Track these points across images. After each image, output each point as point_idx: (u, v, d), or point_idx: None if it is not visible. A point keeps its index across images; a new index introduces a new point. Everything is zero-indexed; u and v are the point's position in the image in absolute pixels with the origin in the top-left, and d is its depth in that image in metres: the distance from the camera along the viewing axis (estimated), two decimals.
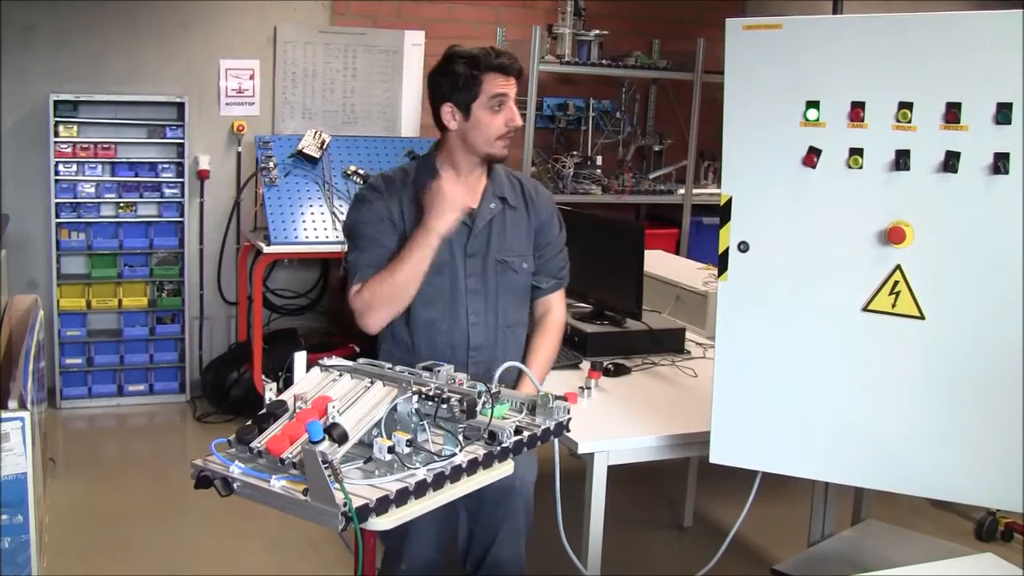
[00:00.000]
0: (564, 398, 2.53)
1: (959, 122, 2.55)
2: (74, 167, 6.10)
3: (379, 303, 2.97)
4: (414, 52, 6.84)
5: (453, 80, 3.01)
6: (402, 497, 2.11)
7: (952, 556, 2.77)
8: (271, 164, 6.10)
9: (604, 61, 6.88)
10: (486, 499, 3.08)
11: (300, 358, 2.46)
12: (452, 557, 3.32)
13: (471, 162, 3.11)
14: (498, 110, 3.01)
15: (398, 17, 6.87)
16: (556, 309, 3.31)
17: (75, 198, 6.12)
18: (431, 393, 2.30)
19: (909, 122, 2.61)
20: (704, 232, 7.06)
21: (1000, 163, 2.52)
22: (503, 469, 2.39)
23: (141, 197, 6.27)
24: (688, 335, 4.16)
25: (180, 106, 6.23)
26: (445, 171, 3.09)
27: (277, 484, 2.09)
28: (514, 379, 3.11)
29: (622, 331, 4.02)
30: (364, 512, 2.03)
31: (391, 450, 2.15)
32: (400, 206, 3.07)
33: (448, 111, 3.04)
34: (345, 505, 1.99)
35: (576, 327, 4.00)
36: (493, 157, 3.09)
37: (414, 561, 3.19)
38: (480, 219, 3.11)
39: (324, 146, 6.18)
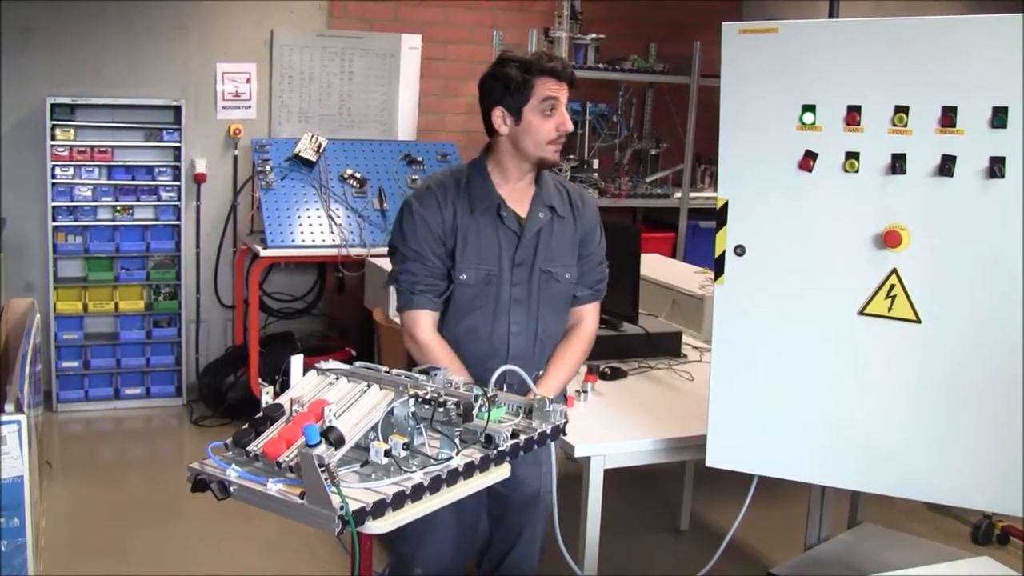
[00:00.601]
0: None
1: (955, 126, 2.56)
2: (71, 170, 6.10)
3: (413, 354, 3.04)
4: (411, 55, 6.85)
5: (505, 84, 3.01)
6: (399, 501, 2.11)
7: (948, 559, 2.78)
8: (268, 167, 6.10)
9: (601, 65, 6.88)
10: (512, 504, 3.09)
11: (297, 361, 2.46)
12: (468, 561, 3.33)
13: (521, 168, 3.08)
14: (549, 114, 3.00)
15: (395, 20, 6.87)
16: (588, 320, 3.26)
17: (72, 201, 6.12)
18: (428, 397, 2.29)
19: (905, 126, 2.61)
20: (700, 236, 7.06)
21: (996, 167, 2.53)
22: (499, 473, 2.38)
23: (138, 200, 6.27)
24: (684, 339, 4.16)
25: (177, 109, 6.23)
26: (495, 176, 3.09)
27: (274, 487, 2.09)
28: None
29: (619, 335, 4.02)
30: (361, 516, 2.03)
31: (388, 454, 2.14)
32: (454, 218, 3.05)
33: (499, 115, 3.03)
34: (342, 509, 1.98)
35: None
36: (545, 162, 3.07)
37: (431, 564, 3.19)
38: (529, 229, 3.09)
39: (321, 149, 6.18)
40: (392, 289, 3.18)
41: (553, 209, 3.12)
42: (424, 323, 3.06)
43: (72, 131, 6.08)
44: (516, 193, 3.10)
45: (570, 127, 3.04)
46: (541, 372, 3.08)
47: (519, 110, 3.00)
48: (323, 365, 2.53)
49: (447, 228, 3.04)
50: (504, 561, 3.26)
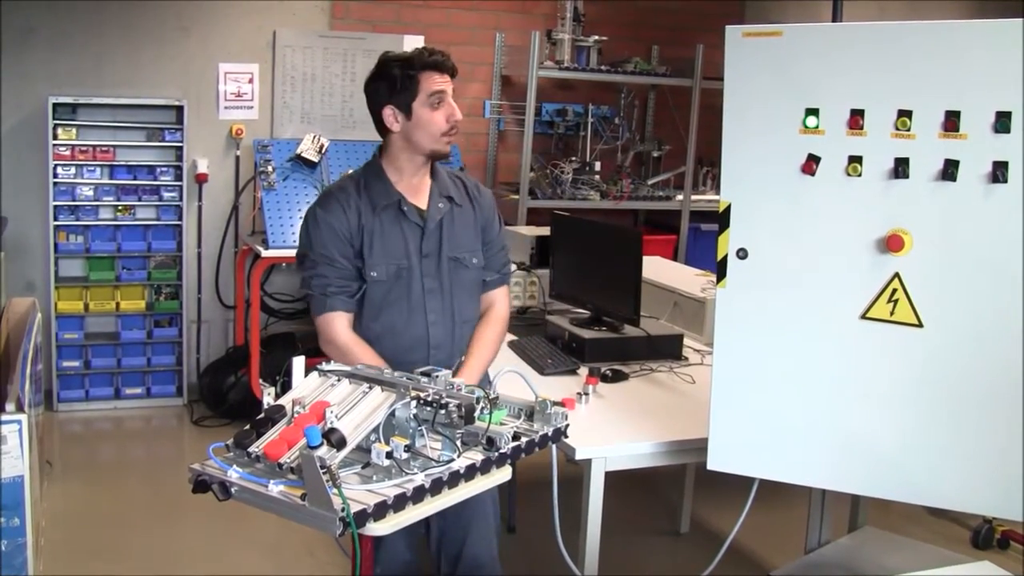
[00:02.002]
0: (562, 404, 2.53)
1: (958, 130, 2.56)
2: (73, 170, 6.10)
3: (333, 355, 3.02)
4: None
5: (391, 83, 3.06)
6: (400, 502, 2.11)
7: (949, 564, 2.78)
8: (270, 168, 6.10)
9: (603, 67, 6.89)
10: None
11: (299, 363, 2.47)
12: (426, 557, 3.33)
13: (415, 162, 3.14)
14: (438, 106, 3.06)
15: (397, 22, 6.88)
16: (500, 303, 3.34)
17: (73, 201, 6.12)
18: (429, 398, 2.29)
19: (908, 130, 2.61)
20: (702, 238, 7.07)
21: (999, 171, 2.52)
22: (501, 475, 2.39)
23: (139, 200, 6.27)
24: (686, 341, 4.16)
25: (179, 109, 6.24)
26: (391, 174, 3.15)
27: (275, 489, 2.09)
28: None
29: (620, 337, 4.02)
30: (362, 517, 2.03)
31: (389, 455, 2.14)
32: (359, 218, 3.11)
33: (390, 114, 3.09)
34: (343, 510, 1.98)
35: (574, 333, 4.00)
36: (438, 153, 3.13)
37: (389, 563, 3.23)
38: (431, 220, 3.16)
39: (323, 150, 6.18)
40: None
41: (451, 199, 3.21)
42: (340, 324, 3.11)
43: (74, 130, 6.08)
44: (413, 188, 3.17)
45: (459, 116, 3.09)
46: (462, 359, 3.14)
47: (408, 106, 3.06)
48: (325, 367, 2.54)
49: (353, 229, 3.10)
50: (460, 558, 3.27)
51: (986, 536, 4.71)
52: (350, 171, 6.10)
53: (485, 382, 3.11)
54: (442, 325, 3.17)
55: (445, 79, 3.07)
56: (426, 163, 3.16)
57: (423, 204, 3.17)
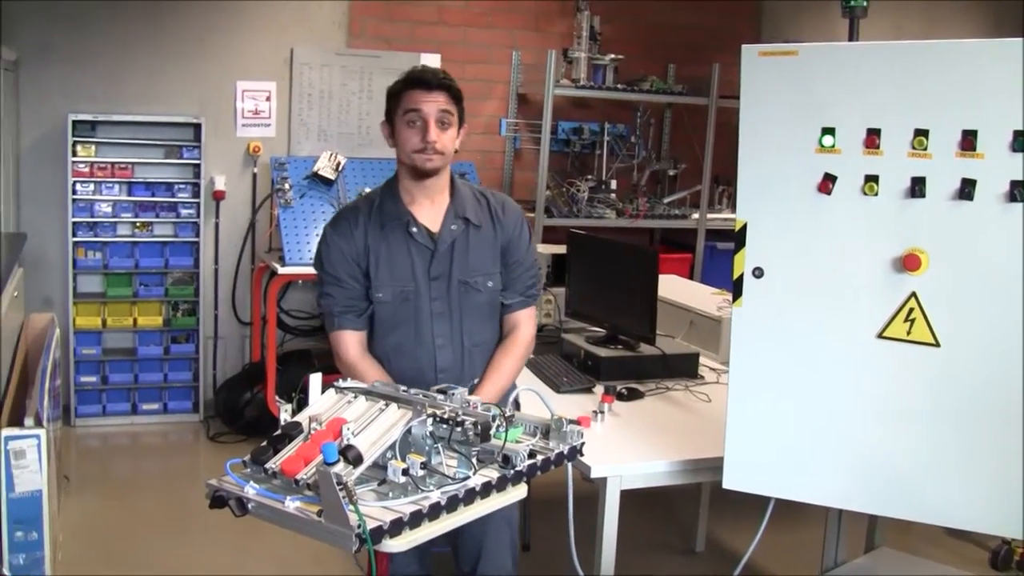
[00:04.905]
0: (577, 422, 2.53)
1: (975, 149, 2.56)
2: (91, 186, 6.14)
3: (343, 372, 3.05)
4: None
5: (388, 99, 3.10)
6: (416, 519, 2.11)
7: None
8: (286, 185, 6.12)
9: (619, 85, 6.91)
10: None
11: (315, 379, 2.47)
12: (437, 571, 3.32)
13: (414, 180, 3.11)
14: (414, 125, 3.02)
15: (413, 40, 6.91)
16: (523, 327, 3.28)
17: (92, 217, 6.16)
18: (446, 416, 2.30)
19: (925, 149, 2.61)
20: (718, 257, 7.07)
21: (1016, 191, 2.52)
22: (516, 493, 2.39)
23: (157, 217, 6.30)
24: (702, 360, 4.15)
25: (197, 127, 6.27)
26: (403, 193, 3.14)
27: (291, 505, 2.10)
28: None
29: (636, 355, 4.02)
30: (378, 534, 2.03)
31: (405, 472, 2.15)
32: (365, 238, 3.11)
33: (385, 131, 3.14)
34: (359, 527, 1.99)
35: (589, 351, 4.00)
36: (415, 169, 3.07)
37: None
38: (442, 243, 3.12)
39: (340, 168, 6.20)
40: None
41: (467, 220, 3.15)
42: (348, 343, 3.13)
43: (93, 147, 6.12)
44: (426, 207, 3.14)
45: (433, 137, 3.00)
46: (476, 381, 3.12)
47: (393, 122, 3.09)
48: (341, 384, 2.55)
49: (359, 250, 3.11)
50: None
51: (1005, 557, 4.67)
52: (366, 189, 6.15)
53: (504, 404, 3.09)
54: (450, 348, 3.14)
55: (430, 97, 3.02)
56: (419, 178, 3.10)
57: (436, 225, 3.13)
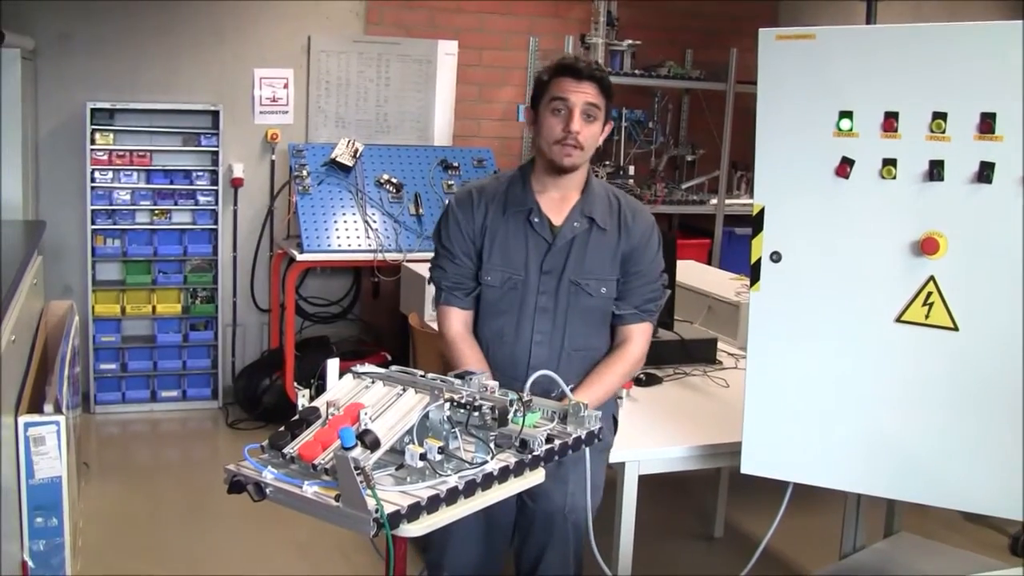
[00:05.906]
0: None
1: (994, 132, 2.54)
2: (110, 174, 6.15)
3: (442, 349, 3.11)
4: (447, 61, 6.87)
5: (536, 85, 3.10)
6: (433, 504, 2.12)
7: (985, 570, 2.75)
8: (304, 172, 6.13)
9: (637, 71, 6.89)
10: (536, 520, 3.07)
11: (333, 365, 2.48)
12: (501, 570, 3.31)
13: (548, 170, 3.07)
14: (558, 112, 2.99)
15: (431, 27, 6.90)
16: (634, 342, 3.17)
17: (111, 205, 6.17)
18: (463, 401, 2.30)
19: (943, 132, 2.60)
20: (736, 242, 7.05)
21: None
22: (534, 477, 2.39)
23: (176, 204, 6.31)
24: (720, 345, 4.15)
25: (215, 114, 6.28)
26: (535, 181, 3.11)
27: (309, 490, 2.11)
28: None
29: (654, 341, 3.99)
30: (396, 518, 2.04)
31: (423, 457, 2.15)
32: (484, 218, 3.08)
33: (529, 116, 3.12)
34: (377, 511, 1.99)
35: None
36: (552, 163, 3.03)
37: (459, 572, 3.16)
38: (560, 238, 3.06)
39: (357, 155, 6.21)
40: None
41: (593, 220, 3.08)
42: (451, 319, 3.11)
43: (111, 135, 6.13)
44: (555, 200, 3.10)
45: (576, 128, 2.96)
46: (572, 387, 2.97)
47: (538, 109, 3.06)
48: (359, 369, 2.54)
49: (476, 228, 3.08)
50: None
51: None
52: (384, 176, 6.16)
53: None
54: (547, 347, 3.08)
55: (580, 87, 2.97)
56: (555, 173, 3.06)
57: (560, 219, 3.08)
